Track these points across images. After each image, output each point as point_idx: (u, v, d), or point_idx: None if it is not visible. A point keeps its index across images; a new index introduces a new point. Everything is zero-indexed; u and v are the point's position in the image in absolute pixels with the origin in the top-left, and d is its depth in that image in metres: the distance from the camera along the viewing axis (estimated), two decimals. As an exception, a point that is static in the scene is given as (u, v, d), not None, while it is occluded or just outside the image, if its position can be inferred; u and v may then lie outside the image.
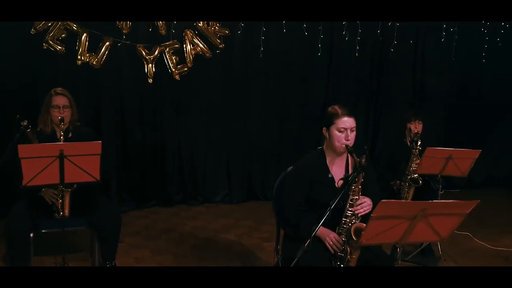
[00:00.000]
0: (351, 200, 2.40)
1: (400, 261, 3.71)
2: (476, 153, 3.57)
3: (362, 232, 1.84)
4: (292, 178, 2.69)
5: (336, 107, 2.56)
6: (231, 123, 5.33)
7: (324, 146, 2.66)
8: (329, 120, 2.53)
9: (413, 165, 3.86)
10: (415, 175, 3.97)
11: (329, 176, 2.57)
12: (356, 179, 2.36)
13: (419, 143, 4.06)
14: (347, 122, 2.49)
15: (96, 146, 2.75)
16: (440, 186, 3.77)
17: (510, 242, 4.41)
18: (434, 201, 1.82)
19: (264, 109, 5.45)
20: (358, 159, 2.34)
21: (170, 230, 4.50)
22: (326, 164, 2.61)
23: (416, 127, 4.14)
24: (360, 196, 2.40)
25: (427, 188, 3.95)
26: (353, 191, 2.39)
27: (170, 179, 5.21)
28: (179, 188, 5.27)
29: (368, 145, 6.00)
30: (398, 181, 4.07)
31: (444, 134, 6.32)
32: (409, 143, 4.13)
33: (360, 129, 5.82)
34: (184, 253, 3.95)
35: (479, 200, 1.88)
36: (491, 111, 6.54)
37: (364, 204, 2.38)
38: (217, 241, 4.25)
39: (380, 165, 4.27)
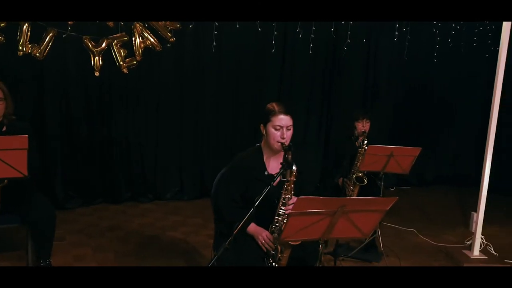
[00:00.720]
0: (284, 199, 2.38)
1: (342, 257, 3.79)
2: (416, 151, 3.63)
3: (283, 229, 1.82)
4: (228, 175, 2.66)
5: (274, 104, 2.54)
6: (182, 118, 5.26)
7: (262, 143, 2.64)
8: (266, 117, 2.50)
9: (358, 163, 3.91)
10: (360, 174, 4.02)
11: (266, 173, 2.55)
12: (288, 178, 2.34)
13: (365, 142, 4.12)
14: (283, 120, 2.46)
15: (22, 140, 2.63)
16: (383, 183, 3.81)
17: (452, 238, 4.53)
18: (352, 197, 1.80)
19: (216, 105, 5.39)
20: (287, 157, 2.33)
21: (115, 227, 4.39)
22: (263, 161, 2.59)
23: (363, 125, 4.19)
24: (293, 196, 2.39)
25: (371, 186, 4.00)
26: (286, 189, 2.37)
27: (118, 175, 5.09)
28: (128, 185, 5.15)
29: (321, 143, 6.07)
30: (342, 179, 4.11)
31: (395, 133, 6.43)
32: (357, 142, 4.18)
33: (313, 127, 5.99)
34: (127, 251, 3.85)
35: (398, 197, 1.89)
36: (442, 111, 6.71)
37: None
38: (163, 239, 4.18)
39: (336, 163, 4.32)
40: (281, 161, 2.54)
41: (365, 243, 3.92)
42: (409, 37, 6.08)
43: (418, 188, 6.63)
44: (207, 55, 5.17)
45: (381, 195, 3.80)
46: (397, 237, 4.51)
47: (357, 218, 1.89)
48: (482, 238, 4.12)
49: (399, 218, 5.09)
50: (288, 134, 2.48)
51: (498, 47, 3.73)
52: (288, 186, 2.36)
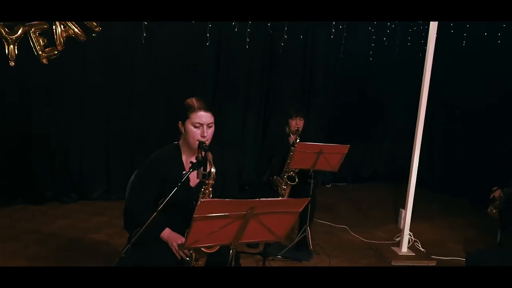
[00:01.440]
0: (201, 202, 2.22)
1: (272, 257, 3.69)
2: (345, 148, 3.59)
3: (186, 235, 1.67)
4: (142, 174, 2.47)
5: (193, 99, 2.35)
6: (110, 114, 4.98)
7: (180, 142, 2.47)
8: (184, 114, 2.32)
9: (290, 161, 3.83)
10: (291, 173, 3.95)
11: (184, 174, 2.38)
12: (207, 180, 2.18)
13: (298, 140, 4.04)
14: (203, 117, 2.29)
15: None
16: (313, 181, 3.75)
17: (383, 234, 4.56)
18: (262, 199, 1.68)
19: (147, 101, 5.13)
20: (199, 155, 2.18)
21: (33, 230, 4.07)
22: (182, 160, 2.42)
23: (297, 123, 4.11)
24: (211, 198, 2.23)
25: (303, 184, 3.94)
26: (203, 193, 2.22)
27: (39, 174, 4.73)
28: (50, 184, 4.81)
29: (258, 141, 5.95)
30: (273, 177, 4.02)
31: (332, 131, 6.46)
32: (291, 140, 4.10)
33: (250, 124, 5.87)
34: (41, 256, 3.56)
35: (309, 198, 1.79)
36: (378, 108, 6.82)
37: None
38: (84, 242, 3.91)
39: (261, 161, 4.21)
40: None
41: (295, 242, 3.85)
42: (345, 34, 6.10)
43: (354, 185, 6.70)
44: (138, 47, 4.90)
45: (311, 194, 3.75)
46: (329, 234, 4.49)
47: (269, 220, 1.77)
48: (410, 235, 4.17)
49: (333, 215, 5.10)
50: (209, 132, 2.32)
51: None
52: (206, 189, 2.20)
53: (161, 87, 5.17)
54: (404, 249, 4.02)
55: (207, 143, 2.30)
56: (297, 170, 3.94)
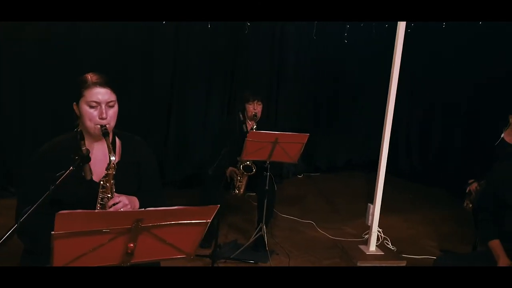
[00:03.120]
0: (102, 199, 1.81)
1: (223, 260, 3.31)
2: (304, 137, 3.19)
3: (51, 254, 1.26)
4: (31, 168, 1.98)
5: (88, 74, 1.87)
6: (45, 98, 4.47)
7: (80, 127, 1.99)
8: (78, 92, 1.85)
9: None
10: (247, 162, 3.55)
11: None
12: (107, 172, 1.77)
13: (254, 127, 3.65)
14: (99, 94, 1.82)
15: None
16: (269, 173, 3.36)
17: (352, 230, 4.20)
18: (149, 209, 1.26)
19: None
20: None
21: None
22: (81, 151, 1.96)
23: (255, 108, 3.71)
24: (115, 194, 1.82)
25: (258, 176, 3.55)
26: (104, 187, 1.80)
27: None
28: None
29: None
30: (229, 168, 3.63)
31: (304, 119, 6.09)
32: (249, 127, 3.70)
33: (212, 112, 5.41)
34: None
35: (219, 205, 1.38)
36: (352, 95, 6.43)
37: (119, 205, 1.80)
38: None
39: (220, 151, 3.80)
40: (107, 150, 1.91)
41: (250, 242, 3.47)
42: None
43: (328, 175, 6.33)
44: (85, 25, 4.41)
45: (266, 188, 3.35)
46: (293, 231, 4.12)
47: (168, 234, 1.37)
48: (380, 232, 3.82)
49: (301, 209, 4.73)
50: (111, 113, 1.86)
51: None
52: (106, 182, 1.78)
53: (109, 70, 4.67)
54: (372, 247, 3.65)
55: (110, 126, 1.86)
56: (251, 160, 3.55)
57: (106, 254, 1.34)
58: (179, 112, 5.12)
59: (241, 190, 3.61)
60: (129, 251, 1.35)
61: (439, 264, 2.33)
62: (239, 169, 3.59)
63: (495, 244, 2.33)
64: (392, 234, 4.07)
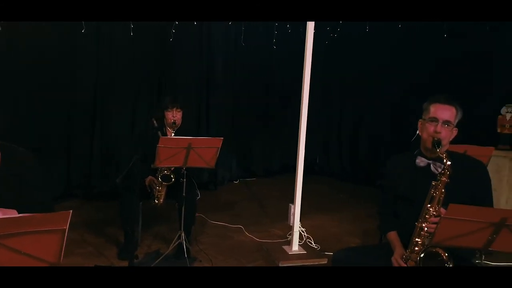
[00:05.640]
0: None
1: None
2: (218, 141, 3.19)
3: None
4: None
5: None
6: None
7: None
8: None
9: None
10: (166, 171, 3.52)
11: None
12: None
13: (173, 134, 3.62)
14: None
15: None
16: (185, 180, 3.33)
17: (279, 232, 4.24)
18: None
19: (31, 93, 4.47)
20: None
21: None
22: None
23: (174, 115, 3.69)
24: None
25: (178, 183, 3.52)
26: None
27: None
28: None
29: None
30: (148, 177, 3.58)
31: (236, 124, 6.12)
32: (169, 135, 3.66)
33: (140, 122, 5.30)
34: None
35: (71, 210, 1.35)
36: (284, 99, 6.52)
37: None
38: None
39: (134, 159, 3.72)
40: None
41: (169, 250, 3.42)
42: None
43: (264, 179, 6.39)
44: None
45: (183, 194, 3.33)
46: (222, 237, 4.10)
47: (24, 244, 1.32)
48: (303, 231, 3.88)
49: (231, 215, 4.73)
50: None
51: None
52: None
53: (27, 82, 4.52)
54: (295, 247, 3.70)
55: None
56: (173, 168, 3.52)
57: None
58: (104, 122, 5.00)
59: (161, 200, 3.57)
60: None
61: (336, 258, 2.39)
62: (157, 179, 3.54)
63: (393, 236, 2.42)
64: (318, 233, 4.15)
